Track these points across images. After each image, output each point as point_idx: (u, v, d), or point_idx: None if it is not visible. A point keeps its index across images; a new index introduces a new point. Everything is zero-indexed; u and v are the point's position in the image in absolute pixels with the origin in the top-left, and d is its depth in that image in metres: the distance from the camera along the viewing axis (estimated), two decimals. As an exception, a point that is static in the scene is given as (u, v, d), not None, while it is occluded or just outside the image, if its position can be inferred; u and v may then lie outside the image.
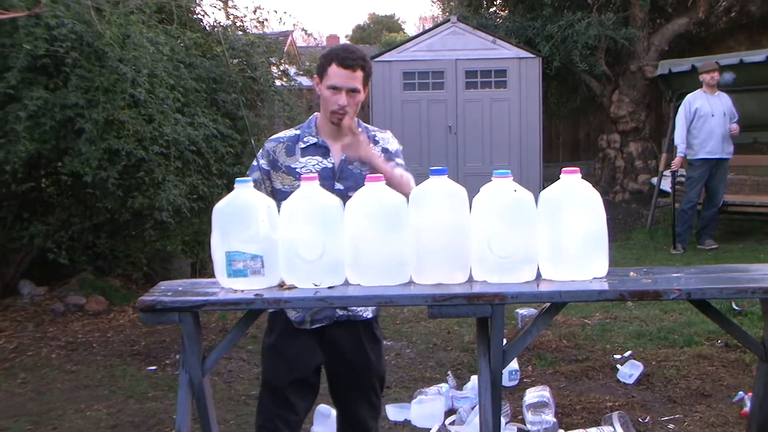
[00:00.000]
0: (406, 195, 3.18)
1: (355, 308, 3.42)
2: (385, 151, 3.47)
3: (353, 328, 3.47)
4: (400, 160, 3.48)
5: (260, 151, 3.53)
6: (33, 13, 6.53)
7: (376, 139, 3.51)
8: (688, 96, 10.35)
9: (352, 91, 3.36)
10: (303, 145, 3.46)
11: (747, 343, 2.78)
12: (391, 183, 3.12)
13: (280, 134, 3.58)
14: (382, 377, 3.63)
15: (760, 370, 2.81)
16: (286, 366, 3.45)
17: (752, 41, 13.86)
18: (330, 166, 3.41)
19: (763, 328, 2.73)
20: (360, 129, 3.49)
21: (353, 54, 3.42)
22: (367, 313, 3.49)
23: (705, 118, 10.09)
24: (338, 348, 3.46)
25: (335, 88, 3.35)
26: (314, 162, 3.42)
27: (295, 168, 3.39)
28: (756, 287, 2.59)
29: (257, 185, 3.34)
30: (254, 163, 3.51)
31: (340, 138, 3.44)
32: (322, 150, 3.44)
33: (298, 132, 3.53)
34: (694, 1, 13.89)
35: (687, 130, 10.15)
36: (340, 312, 3.41)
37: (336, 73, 3.34)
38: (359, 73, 3.36)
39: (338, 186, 3.32)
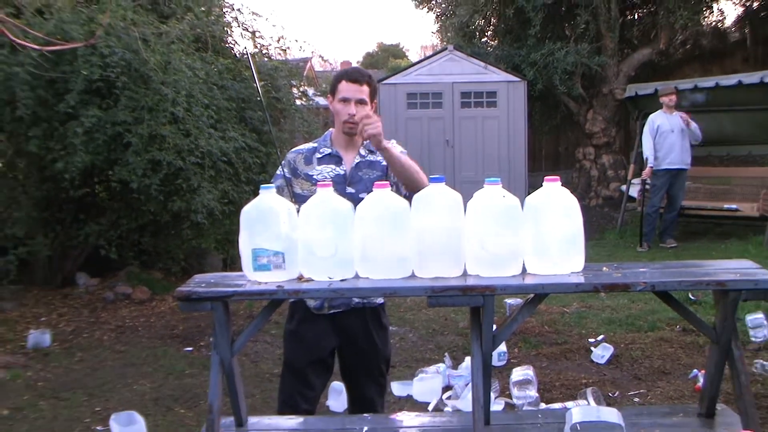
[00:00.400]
0: (415, 174, 3.23)
1: (366, 297, 3.42)
2: None
3: (363, 317, 3.46)
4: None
5: (283, 161, 3.52)
6: (89, 44, 6.57)
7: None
8: (651, 116, 10.46)
9: (360, 102, 3.36)
10: (320, 155, 3.46)
11: (701, 328, 2.77)
12: (398, 161, 3.20)
13: (300, 147, 3.58)
14: (388, 359, 3.62)
15: (711, 351, 2.80)
16: (306, 349, 3.45)
17: (704, 69, 14.00)
18: (342, 172, 3.41)
19: (715, 315, 2.72)
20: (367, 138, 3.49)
21: (359, 72, 3.46)
22: (377, 300, 3.49)
23: (666, 134, 10.14)
24: (350, 335, 3.45)
25: (345, 100, 3.36)
26: (329, 169, 3.41)
27: (312, 175, 3.39)
28: (709, 280, 2.59)
29: (280, 190, 3.34)
30: (278, 171, 3.51)
31: (352, 149, 3.45)
32: (336, 159, 3.44)
33: (315, 144, 3.53)
34: (656, 35, 13.97)
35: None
36: (355, 300, 3.40)
37: (345, 88, 3.36)
38: (366, 87, 3.38)
39: (349, 190, 3.32)
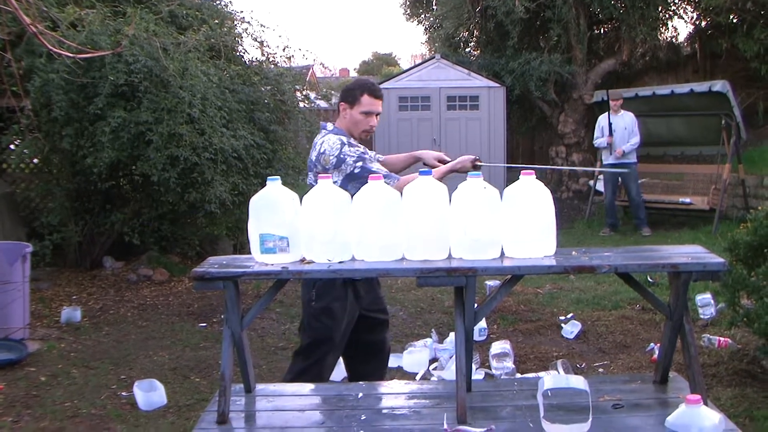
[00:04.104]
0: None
1: None
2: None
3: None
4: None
5: (353, 149, 3.40)
6: (116, 52, 6.54)
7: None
8: (600, 117, 10.68)
9: (377, 115, 3.50)
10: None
11: (658, 306, 2.79)
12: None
13: (336, 138, 3.42)
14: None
15: (666, 326, 2.82)
16: (340, 324, 3.48)
17: (661, 78, 14.08)
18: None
19: (669, 295, 2.73)
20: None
21: (378, 87, 3.56)
22: None
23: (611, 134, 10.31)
24: (365, 289, 3.57)
25: (368, 113, 3.43)
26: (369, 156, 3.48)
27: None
28: (665, 263, 2.61)
29: (369, 161, 3.37)
30: (371, 165, 3.37)
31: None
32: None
33: (340, 138, 3.44)
34: (619, 47, 14.02)
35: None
36: None
37: (368, 102, 3.44)
38: (382, 101, 3.53)
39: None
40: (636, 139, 10.27)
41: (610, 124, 10.26)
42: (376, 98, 3.46)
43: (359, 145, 3.48)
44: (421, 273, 2.50)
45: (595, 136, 10.76)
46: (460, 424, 2.45)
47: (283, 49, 9.42)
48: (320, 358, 3.47)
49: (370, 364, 3.64)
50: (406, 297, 7.07)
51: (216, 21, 8.43)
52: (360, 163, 3.33)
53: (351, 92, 3.48)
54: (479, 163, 3.45)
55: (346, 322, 3.48)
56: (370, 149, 3.63)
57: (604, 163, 10.49)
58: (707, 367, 4.60)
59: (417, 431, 2.51)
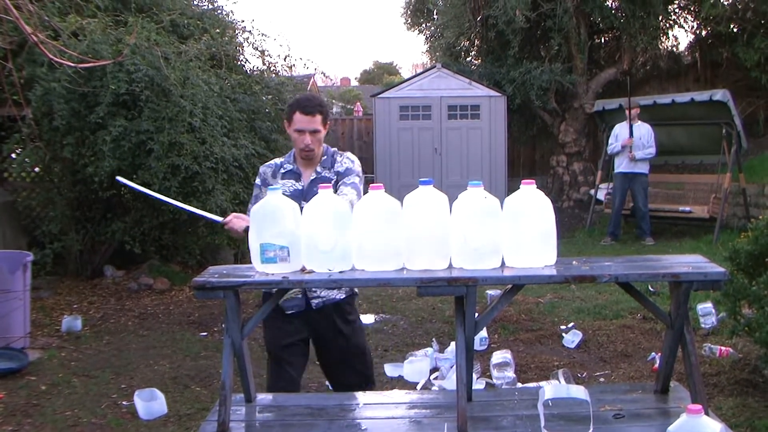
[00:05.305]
0: None
1: (328, 294, 3.36)
2: (337, 173, 3.40)
3: (327, 313, 3.39)
4: (349, 179, 3.37)
5: (258, 187, 3.50)
6: (117, 61, 6.57)
7: (335, 160, 3.45)
8: (616, 126, 10.69)
9: (314, 132, 3.31)
10: (283, 171, 3.44)
11: (658, 316, 2.78)
12: None
13: (271, 162, 3.57)
14: (362, 349, 3.50)
15: (666, 336, 2.81)
16: (278, 334, 3.40)
17: (661, 88, 14.12)
18: (300, 188, 3.37)
19: (670, 304, 2.73)
20: (325, 155, 3.45)
21: (311, 102, 3.36)
22: (340, 294, 3.41)
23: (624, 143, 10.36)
24: (317, 329, 3.41)
25: (300, 131, 3.31)
26: (290, 184, 3.39)
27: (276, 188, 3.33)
28: (665, 272, 2.60)
29: (256, 199, 3.37)
30: (256, 181, 3.52)
31: (310, 166, 3.42)
32: (296, 175, 3.41)
33: (282, 160, 3.52)
34: (620, 57, 14.06)
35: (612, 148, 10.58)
36: (315, 301, 3.35)
37: (299, 120, 3.30)
38: (318, 117, 3.30)
39: (304, 204, 2.97)
40: (651, 150, 10.32)
41: (630, 127, 10.27)
42: (306, 114, 3.28)
43: (266, 180, 3.45)
44: (422, 283, 2.50)
45: (609, 142, 10.77)
46: (461, 433, 2.45)
47: (284, 59, 9.49)
48: (273, 372, 3.44)
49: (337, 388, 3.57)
50: (407, 306, 7.07)
51: (217, 30, 8.48)
52: (250, 205, 3.49)
53: (287, 110, 3.41)
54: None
55: (289, 333, 3.39)
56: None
57: (617, 171, 10.53)
58: (708, 376, 4.59)
59: (417, 441, 2.50)
